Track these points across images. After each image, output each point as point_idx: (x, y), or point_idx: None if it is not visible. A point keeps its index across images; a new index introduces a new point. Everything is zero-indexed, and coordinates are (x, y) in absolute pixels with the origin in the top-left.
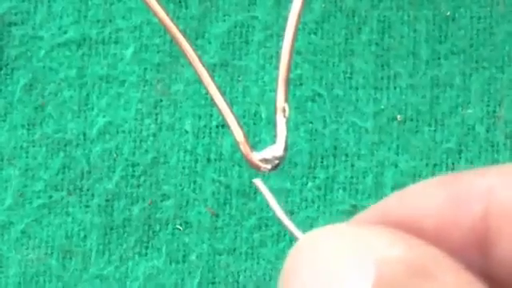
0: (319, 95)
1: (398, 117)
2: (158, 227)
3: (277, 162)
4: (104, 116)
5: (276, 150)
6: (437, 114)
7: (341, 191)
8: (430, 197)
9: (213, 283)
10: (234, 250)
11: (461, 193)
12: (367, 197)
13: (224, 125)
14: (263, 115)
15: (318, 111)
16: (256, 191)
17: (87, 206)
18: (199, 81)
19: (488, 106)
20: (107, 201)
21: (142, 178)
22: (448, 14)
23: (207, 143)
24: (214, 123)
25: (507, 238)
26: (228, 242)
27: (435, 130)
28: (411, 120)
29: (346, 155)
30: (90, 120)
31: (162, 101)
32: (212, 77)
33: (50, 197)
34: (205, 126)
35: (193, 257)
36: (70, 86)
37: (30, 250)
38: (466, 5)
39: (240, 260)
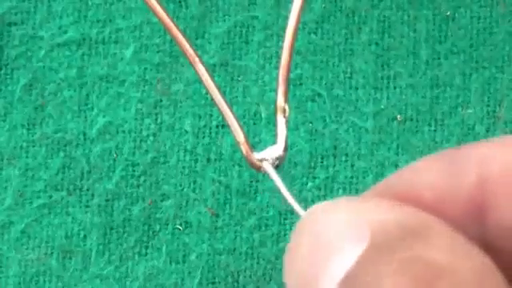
0: (319, 95)
1: (398, 117)
2: (158, 227)
3: (277, 162)
4: (104, 116)
5: (276, 149)
6: (437, 114)
7: (341, 191)
8: (428, 171)
9: (213, 283)
10: (234, 249)
11: (456, 164)
12: None
13: (224, 125)
14: (263, 115)
15: (318, 111)
16: (256, 191)
17: (87, 206)
18: (199, 81)
19: (488, 106)
20: (107, 201)
21: (142, 178)
22: (448, 13)
23: (207, 143)
24: (214, 123)
25: (502, 205)
26: (228, 242)
27: (435, 130)
28: (411, 120)
29: (346, 155)
30: (89, 120)
31: (161, 101)
32: (212, 77)
33: (50, 197)
34: (205, 126)
35: (193, 257)
36: (69, 85)
37: (29, 250)
38: (466, 5)
39: (240, 260)
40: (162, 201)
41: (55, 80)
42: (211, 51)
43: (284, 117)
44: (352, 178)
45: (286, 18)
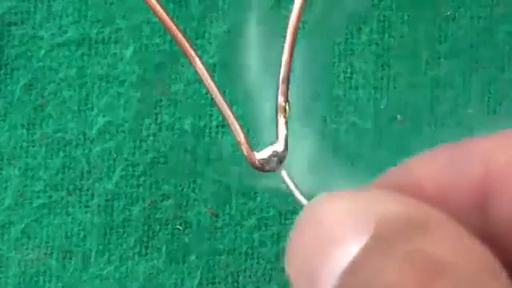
0: (319, 95)
1: (398, 117)
2: (157, 227)
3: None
4: (104, 116)
5: (276, 149)
6: (437, 114)
7: None
8: (430, 163)
9: (213, 283)
10: (234, 250)
11: (461, 157)
12: None
13: (224, 125)
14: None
15: (318, 111)
16: (256, 191)
17: (87, 206)
18: (199, 81)
19: (488, 106)
20: (107, 201)
21: (142, 178)
22: (448, 13)
23: (207, 143)
24: (214, 123)
25: (506, 199)
26: (228, 242)
27: (435, 130)
28: (411, 120)
29: (346, 155)
30: (89, 120)
31: (161, 101)
32: (212, 77)
33: (50, 197)
34: (205, 126)
35: (193, 257)
36: (69, 85)
37: (29, 250)
38: (466, 5)
39: (240, 260)
40: (161, 201)
41: (55, 80)
42: (211, 51)
43: (284, 117)
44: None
45: (286, 17)
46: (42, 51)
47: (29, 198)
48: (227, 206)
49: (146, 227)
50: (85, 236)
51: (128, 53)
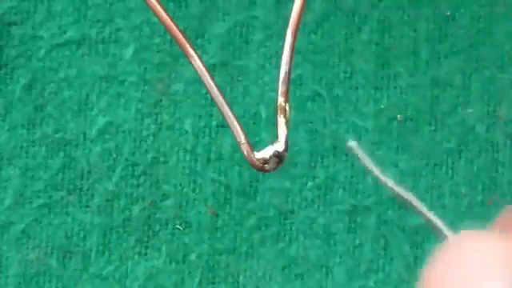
0: (319, 95)
1: (398, 117)
2: (157, 227)
3: (278, 161)
4: (104, 116)
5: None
6: (437, 113)
7: (341, 191)
8: None
9: (213, 283)
10: (234, 249)
11: None
12: (367, 196)
13: (224, 125)
14: (263, 115)
15: (318, 111)
16: (256, 191)
17: (87, 206)
18: (199, 81)
19: (488, 105)
20: (107, 201)
21: (142, 178)
22: (448, 13)
23: (207, 143)
24: (214, 123)
25: None
26: (228, 242)
27: (435, 130)
28: (411, 120)
29: (346, 155)
30: (89, 120)
31: (161, 101)
32: (212, 76)
33: (50, 197)
34: (205, 126)
35: (193, 257)
36: (69, 85)
37: (29, 249)
38: (466, 5)
39: (240, 260)
40: (161, 201)
41: (55, 80)
42: (211, 51)
43: (284, 117)
44: (352, 177)
45: (286, 17)
46: (42, 51)
47: (29, 198)
48: (227, 206)
49: (145, 227)
50: (85, 236)
51: (128, 53)
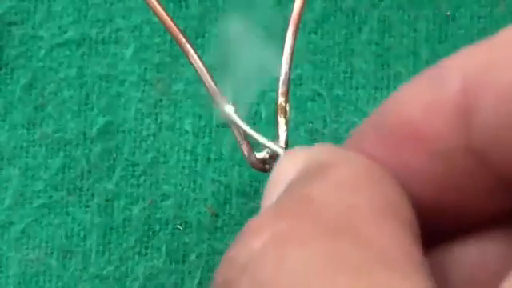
0: (319, 95)
1: None
2: (157, 227)
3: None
4: (104, 116)
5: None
6: None
7: None
8: (413, 86)
9: None
10: None
11: (438, 76)
12: None
13: (224, 125)
14: (263, 115)
15: (318, 111)
16: (256, 191)
17: (87, 206)
18: (199, 80)
19: None
20: (107, 201)
21: (142, 178)
22: (448, 13)
23: (207, 143)
24: (214, 123)
25: (485, 106)
26: (228, 242)
27: None
28: None
29: None
30: (89, 120)
31: (161, 101)
32: (212, 76)
33: (50, 197)
34: (205, 126)
35: (193, 257)
36: (69, 85)
37: (29, 249)
38: (466, 5)
39: None
40: (161, 201)
41: (55, 80)
42: (211, 51)
43: (284, 117)
44: None
45: (286, 17)
46: (42, 51)
47: (29, 198)
48: (227, 206)
49: (146, 227)
50: (85, 236)
51: (128, 53)
